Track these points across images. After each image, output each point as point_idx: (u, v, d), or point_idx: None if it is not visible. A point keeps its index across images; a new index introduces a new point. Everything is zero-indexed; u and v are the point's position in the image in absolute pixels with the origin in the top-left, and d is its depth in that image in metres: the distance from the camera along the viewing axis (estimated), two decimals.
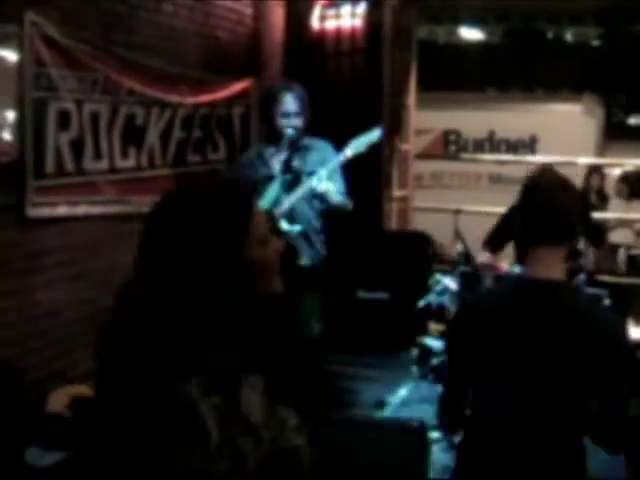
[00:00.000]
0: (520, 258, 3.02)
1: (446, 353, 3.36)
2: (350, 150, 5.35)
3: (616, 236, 9.53)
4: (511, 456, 2.91)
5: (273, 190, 5.47)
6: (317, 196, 5.38)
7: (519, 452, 2.90)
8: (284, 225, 5.42)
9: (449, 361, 3.22)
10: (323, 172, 5.30)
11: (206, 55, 6.94)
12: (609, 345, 2.82)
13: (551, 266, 2.90)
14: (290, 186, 5.46)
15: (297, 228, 5.47)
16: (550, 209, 2.90)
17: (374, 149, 8.12)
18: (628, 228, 9.64)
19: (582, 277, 5.84)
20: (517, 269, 6.05)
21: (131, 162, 6.08)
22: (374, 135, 5.44)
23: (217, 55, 7.09)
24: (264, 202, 5.47)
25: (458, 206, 9.78)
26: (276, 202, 5.44)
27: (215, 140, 7.13)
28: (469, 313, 3.10)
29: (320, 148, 5.57)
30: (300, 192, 5.41)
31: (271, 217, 5.40)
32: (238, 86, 7.34)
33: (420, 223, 9.41)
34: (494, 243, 6.40)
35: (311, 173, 5.41)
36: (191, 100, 6.67)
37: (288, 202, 5.43)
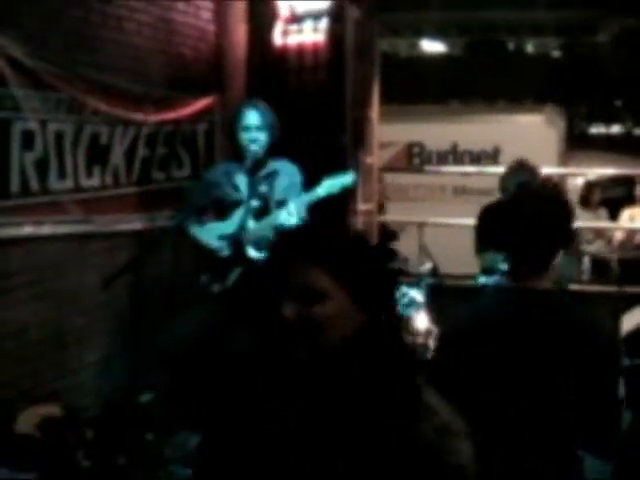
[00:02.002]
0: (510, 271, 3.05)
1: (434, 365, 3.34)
2: (322, 190, 5.36)
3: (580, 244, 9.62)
4: (510, 466, 2.93)
5: (240, 215, 5.48)
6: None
7: (517, 462, 2.92)
8: (252, 252, 5.44)
9: (441, 373, 3.19)
10: (292, 207, 5.31)
11: (169, 73, 6.95)
12: (606, 352, 2.86)
13: (544, 277, 2.93)
14: (258, 213, 5.48)
15: (264, 256, 5.49)
16: (541, 228, 2.92)
17: (339, 163, 8.23)
18: (596, 237, 9.73)
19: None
20: (484, 279, 6.14)
21: (96, 181, 6.07)
22: (347, 179, 5.47)
23: (180, 73, 7.10)
24: (230, 227, 5.49)
25: (423, 218, 9.86)
26: (242, 228, 5.45)
27: (179, 157, 7.13)
28: (467, 325, 3.09)
29: (287, 173, 5.58)
30: (269, 223, 5.43)
31: (239, 243, 5.43)
32: (202, 103, 7.35)
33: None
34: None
35: (280, 201, 5.44)
36: (155, 118, 6.67)
37: (256, 230, 5.45)
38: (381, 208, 9.61)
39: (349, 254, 2.05)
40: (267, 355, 2.08)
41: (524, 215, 2.98)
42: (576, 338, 2.87)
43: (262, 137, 5.46)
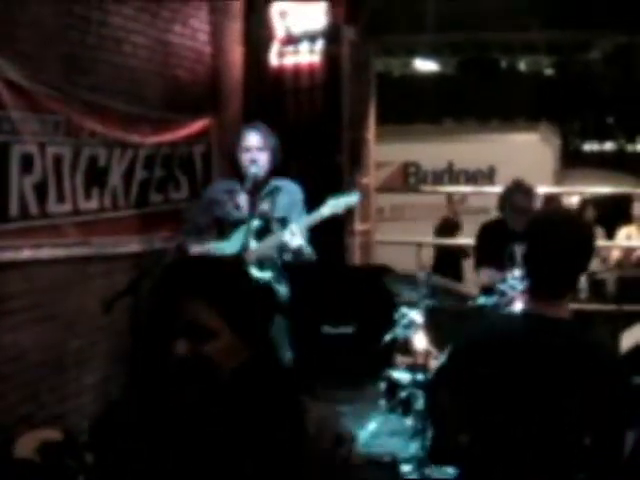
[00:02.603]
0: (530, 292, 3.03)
1: (441, 384, 3.32)
2: (327, 209, 5.35)
3: None
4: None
5: (241, 234, 5.46)
6: (289, 250, 5.38)
7: None
8: (254, 272, 5.43)
9: (451, 393, 3.17)
10: (295, 228, 5.29)
11: (166, 94, 6.96)
12: (613, 385, 2.85)
13: (559, 305, 2.92)
14: (259, 232, 5.46)
15: (267, 275, 5.48)
16: (563, 264, 2.89)
17: (335, 184, 8.23)
18: (595, 256, 9.73)
19: None
20: (483, 299, 6.12)
21: (94, 204, 6.06)
22: (352, 199, 5.48)
23: (177, 94, 7.11)
24: (232, 246, 5.47)
25: (419, 238, 9.87)
26: (244, 247, 5.43)
27: (177, 179, 7.13)
28: (474, 348, 3.08)
29: (289, 191, 5.58)
30: (271, 243, 5.41)
31: (241, 262, 5.40)
32: (198, 125, 7.35)
33: (382, 256, 9.45)
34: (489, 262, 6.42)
35: (281, 220, 5.43)
36: (152, 140, 6.67)
37: (258, 250, 5.44)
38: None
39: (231, 288, 2.18)
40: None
41: (552, 239, 2.95)
42: (584, 364, 2.85)
43: (262, 158, 5.46)
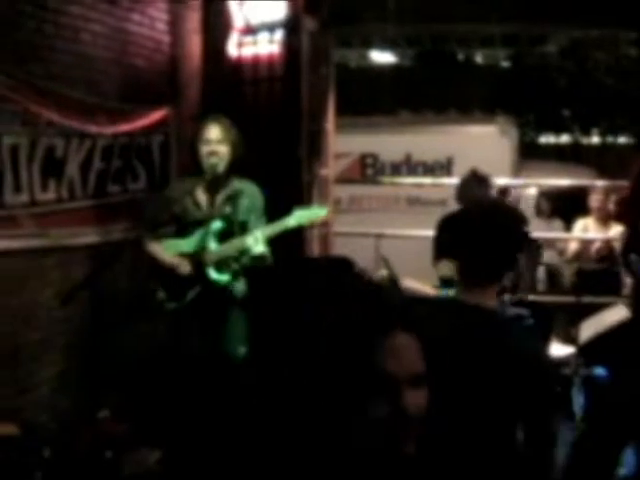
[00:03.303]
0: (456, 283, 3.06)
1: None
2: (292, 220, 5.33)
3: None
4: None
5: (201, 235, 5.42)
6: (249, 255, 5.35)
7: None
8: (212, 274, 5.39)
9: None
10: (259, 235, 5.26)
11: (124, 84, 6.87)
12: (536, 376, 2.86)
13: (487, 296, 2.94)
14: (221, 235, 5.42)
15: (225, 278, 5.44)
16: (489, 250, 2.92)
17: (294, 175, 8.19)
18: (549, 247, 9.78)
19: (506, 297, 5.90)
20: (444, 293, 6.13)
21: (51, 194, 5.98)
22: (319, 213, 5.46)
23: (135, 84, 7.03)
24: (190, 245, 5.42)
25: (377, 229, 9.85)
26: (203, 248, 5.39)
27: (135, 170, 7.05)
28: None
29: (250, 194, 5.54)
30: (234, 247, 5.37)
31: (200, 263, 5.36)
32: (157, 115, 7.28)
33: (341, 248, 9.42)
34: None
35: (242, 223, 5.39)
36: (110, 130, 6.59)
37: (219, 252, 5.39)
38: None
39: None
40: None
41: (474, 228, 2.98)
42: (502, 351, 2.87)
43: (223, 151, 5.42)
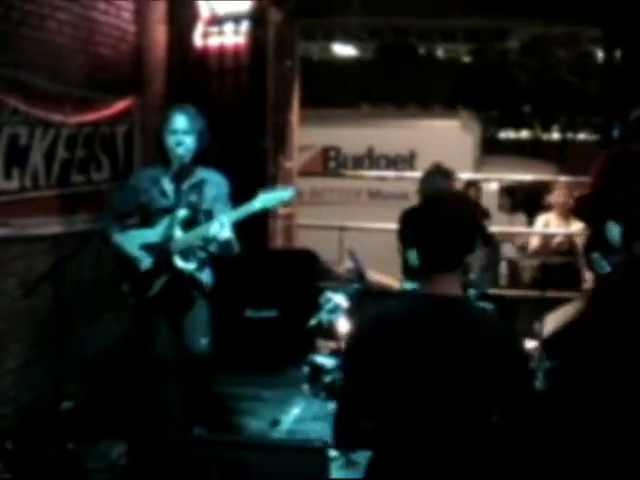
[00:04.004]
0: (418, 276, 3.09)
1: (343, 369, 3.36)
2: (258, 203, 5.26)
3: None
4: (419, 473, 2.93)
5: (166, 224, 5.37)
6: (216, 242, 5.30)
7: (427, 468, 2.92)
8: (178, 262, 5.35)
9: (348, 378, 3.20)
10: (225, 220, 5.20)
11: (89, 73, 6.81)
12: (509, 360, 2.89)
13: (451, 284, 2.97)
14: (186, 223, 5.38)
15: (191, 267, 5.40)
16: (447, 240, 2.96)
17: (259, 167, 8.18)
18: (510, 242, 9.85)
19: (472, 292, 5.93)
20: (408, 285, 6.14)
21: (15, 184, 5.90)
22: (285, 194, 5.40)
23: (100, 73, 6.96)
24: (156, 234, 5.38)
25: (339, 222, 9.87)
26: (169, 237, 5.35)
27: (99, 160, 6.99)
28: (371, 329, 3.09)
29: (216, 183, 5.49)
30: (199, 234, 5.33)
31: (166, 252, 5.32)
32: (121, 104, 7.21)
33: (304, 241, 9.43)
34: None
35: (208, 212, 5.35)
36: (75, 119, 6.52)
37: (184, 240, 5.35)
38: None
39: None
40: None
41: (431, 218, 3.02)
42: (478, 344, 2.90)
43: (189, 141, 5.37)
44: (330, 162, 13.22)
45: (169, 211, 5.38)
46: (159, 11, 7.79)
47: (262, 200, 5.26)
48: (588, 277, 8.37)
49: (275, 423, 6.29)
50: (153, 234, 5.40)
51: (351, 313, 6.41)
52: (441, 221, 2.99)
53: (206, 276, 5.57)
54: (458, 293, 2.99)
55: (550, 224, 9.25)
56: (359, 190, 12.82)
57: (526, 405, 2.97)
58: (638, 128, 6.63)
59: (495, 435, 2.93)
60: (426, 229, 3.03)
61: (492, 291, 7.58)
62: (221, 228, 5.18)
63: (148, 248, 5.39)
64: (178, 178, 5.41)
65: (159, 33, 7.84)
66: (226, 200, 5.49)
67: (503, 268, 9.78)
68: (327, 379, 6.49)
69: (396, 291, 6.34)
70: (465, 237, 3.01)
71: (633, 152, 6.62)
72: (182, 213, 5.37)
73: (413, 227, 3.09)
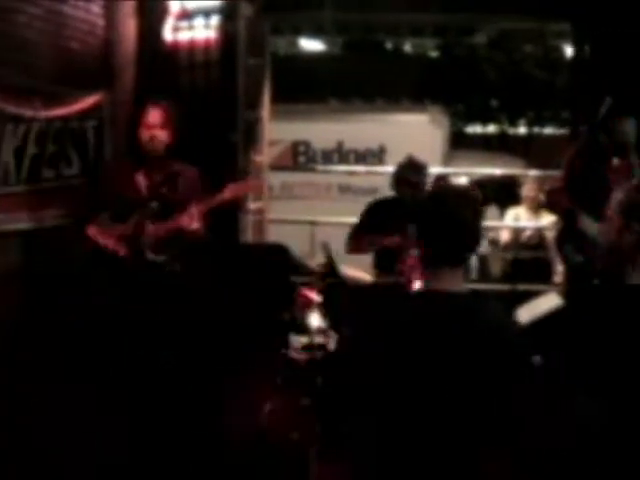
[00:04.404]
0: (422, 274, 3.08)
1: (339, 367, 3.33)
2: (228, 193, 5.29)
3: None
4: (414, 466, 2.93)
5: (139, 217, 5.36)
6: (187, 233, 5.30)
7: (422, 463, 2.93)
8: (150, 255, 5.33)
9: (346, 372, 3.17)
10: (194, 211, 5.21)
11: (59, 67, 6.74)
12: (511, 355, 2.90)
13: (455, 280, 2.96)
14: (157, 215, 5.36)
15: (162, 259, 5.39)
16: (454, 236, 2.94)
17: (230, 162, 8.15)
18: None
19: None
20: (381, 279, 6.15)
21: None
22: (254, 185, 5.43)
23: (70, 67, 6.90)
24: (129, 228, 5.37)
25: (309, 217, 9.87)
26: (142, 229, 5.33)
27: (69, 155, 6.92)
28: (374, 327, 3.07)
29: (188, 176, 5.51)
30: (170, 226, 5.32)
31: (138, 244, 5.30)
32: (91, 99, 7.16)
33: (275, 235, 9.41)
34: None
35: (180, 204, 5.34)
36: (45, 114, 6.47)
37: (155, 232, 5.33)
38: None
39: None
40: None
41: (438, 213, 3.00)
42: (480, 337, 2.89)
43: (162, 135, 5.37)
44: (300, 157, 13.22)
45: (141, 204, 5.37)
46: (129, 5, 7.72)
47: (232, 190, 5.28)
48: (559, 270, 8.44)
49: None
50: (126, 227, 5.39)
51: (324, 307, 6.42)
52: (449, 217, 2.97)
53: (177, 269, 5.56)
54: (462, 289, 2.98)
55: (520, 218, 9.31)
56: (329, 184, 12.82)
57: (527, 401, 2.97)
58: (606, 120, 6.71)
59: (495, 432, 2.94)
60: (433, 225, 3.01)
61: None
62: (190, 219, 5.19)
63: (123, 241, 5.38)
64: (151, 171, 5.41)
65: (129, 27, 7.77)
66: (199, 192, 5.49)
67: (473, 262, 9.81)
68: (299, 374, 6.50)
69: (374, 287, 6.34)
70: (472, 232, 3.00)
71: (601, 144, 6.72)
72: (153, 205, 5.36)
73: (419, 223, 3.08)
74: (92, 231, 5.49)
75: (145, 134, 5.36)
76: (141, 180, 5.43)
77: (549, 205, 8.08)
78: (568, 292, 6.84)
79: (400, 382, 2.94)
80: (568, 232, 6.59)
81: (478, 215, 3.06)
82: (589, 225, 6.27)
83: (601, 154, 6.60)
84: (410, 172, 6.48)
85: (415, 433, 2.93)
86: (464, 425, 2.90)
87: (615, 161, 6.55)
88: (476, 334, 2.90)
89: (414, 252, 6.04)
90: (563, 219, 6.88)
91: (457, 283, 2.97)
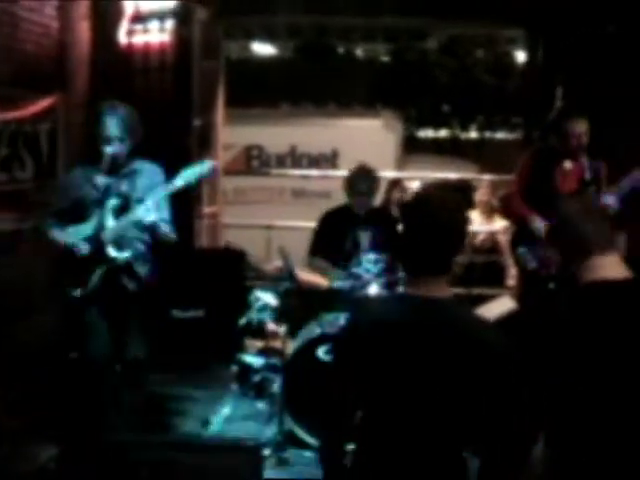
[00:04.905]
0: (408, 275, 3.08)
1: (334, 367, 3.30)
2: (180, 180, 5.25)
3: None
4: (399, 469, 2.94)
5: (99, 214, 5.33)
6: (145, 226, 5.27)
7: (407, 465, 2.94)
8: (112, 252, 5.29)
9: (338, 375, 3.15)
10: (149, 202, 5.18)
11: (12, 70, 6.68)
12: (497, 362, 2.90)
13: (440, 286, 2.95)
14: (118, 212, 5.33)
15: (124, 255, 5.34)
16: (437, 244, 2.93)
17: (184, 166, 8.10)
18: None
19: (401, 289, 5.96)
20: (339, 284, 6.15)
21: None
22: (204, 167, 5.38)
23: (23, 70, 6.83)
24: (90, 227, 5.33)
25: (263, 221, 9.86)
26: (102, 227, 5.30)
27: (22, 158, 6.86)
28: (361, 330, 3.06)
29: (149, 173, 5.47)
30: (127, 220, 5.28)
31: (99, 243, 5.26)
32: (45, 102, 7.10)
33: (229, 240, 9.39)
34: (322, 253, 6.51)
35: (140, 200, 5.30)
36: None
37: (115, 229, 5.30)
38: None
39: None
40: None
41: (419, 221, 2.99)
42: (467, 342, 2.90)
43: (121, 148, 5.35)
44: (253, 161, 13.18)
45: (101, 202, 5.34)
46: (83, 7, 7.66)
47: (183, 177, 5.26)
48: (512, 274, 8.51)
49: (205, 423, 6.27)
50: (87, 227, 5.36)
51: (280, 312, 6.43)
52: (430, 224, 2.95)
53: (143, 270, 5.52)
54: (447, 295, 2.99)
55: (473, 222, 9.36)
56: (282, 189, 12.80)
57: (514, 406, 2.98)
58: (558, 123, 6.79)
59: (481, 437, 2.95)
60: (414, 232, 2.99)
61: None
62: (146, 211, 5.17)
63: (86, 241, 5.33)
64: (110, 171, 5.38)
65: (83, 30, 7.72)
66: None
67: None
68: (256, 378, 6.52)
69: (325, 289, 6.35)
70: (454, 240, 2.99)
71: (553, 148, 6.80)
72: (112, 202, 5.33)
73: (401, 233, 3.06)
74: (57, 234, 5.44)
75: (104, 147, 5.31)
76: (100, 179, 5.39)
77: (503, 211, 8.12)
78: (521, 295, 6.90)
79: (387, 383, 2.96)
80: (521, 236, 6.65)
81: (461, 221, 3.05)
82: (540, 229, 6.33)
83: (551, 157, 6.67)
84: (360, 179, 6.49)
85: (402, 432, 2.94)
86: (450, 424, 2.92)
87: (566, 164, 6.60)
88: (457, 339, 2.90)
89: (370, 257, 6.08)
90: (516, 224, 6.94)
91: (440, 289, 2.96)
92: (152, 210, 5.19)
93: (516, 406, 2.96)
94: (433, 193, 3.19)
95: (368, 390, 3.00)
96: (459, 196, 2.82)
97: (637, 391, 2.99)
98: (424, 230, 2.95)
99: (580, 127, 6.51)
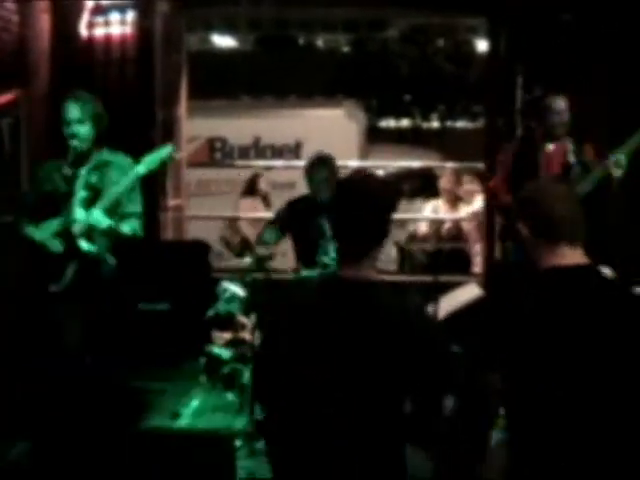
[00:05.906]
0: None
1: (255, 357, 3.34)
2: (142, 167, 5.25)
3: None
4: (333, 461, 2.94)
5: (69, 208, 5.30)
6: (103, 231, 5.25)
7: (341, 457, 2.94)
8: (83, 244, 5.26)
9: (259, 357, 3.19)
10: (100, 207, 5.17)
11: None
12: (419, 343, 2.92)
13: (365, 269, 2.98)
14: (87, 204, 5.30)
15: (95, 248, 5.32)
16: (355, 229, 2.98)
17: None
18: (401, 228, 9.94)
19: None
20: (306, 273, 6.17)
21: None
22: (165, 151, 5.38)
23: None
24: (60, 220, 5.30)
25: (227, 213, 9.86)
26: (72, 220, 5.27)
27: None
28: (285, 317, 3.11)
29: (120, 165, 5.45)
30: (97, 213, 5.25)
31: (70, 237, 5.24)
32: (6, 97, 7.05)
33: (194, 232, 9.37)
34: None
35: (100, 199, 5.28)
36: None
37: (85, 222, 5.27)
38: None
39: None
40: None
41: (342, 206, 3.04)
42: (387, 325, 2.92)
43: (83, 130, 5.31)
44: (216, 153, 13.16)
45: (70, 195, 5.32)
46: (43, 0, 7.62)
47: (145, 163, 5.26)
48: (477, 261, 8.58)
49: (175, 416, 6.25)
50: (58, 221, 5.33)
51: (248, 302, 6.43)
52: (351, 209, 3.00)
53: (111, 261, 5.50)
54: (372, 278, 3.01)
55: (439, 210, 9.41)
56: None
57: (441, 393, 3.01)
58: (536, 104, 6.78)
59: (408, 424, 2.97)
60: (338, 217, 3.05)
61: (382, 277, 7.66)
62: (98, 217, 5.16)
63: (59, 236, 5.31)
64: (78, 164, 5.35)
65: (43, 23, 7.67)
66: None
67: (393, 253, 9.88)
68: (224, 370, 6.50)
69: (293, 279, 6.36)
70: (376, 226, 3.02)
71: (532, 133, 6.76)
72: (81, 195, 5.31)
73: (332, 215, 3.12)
74: (30, 230, 5.41)
75: (66, 131, 5.30)
76: (68, 172, 5.36)
77: (491, 203, 7.95)
78: (487, 282, 6.93)
79: (308, 367, 2.97)
80: (510, 229, 6.60)
81: (384, 206, 3.07)
82: None
83: (533, 142, 6.58)
84: (319, 167, 6.52)
85: (327, 418, 2.95)
86: (373, 405, 2.92)
87: (549, 146, 6.48)
88: (381, 321, 2.93)
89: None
90: (504, 215, 6.89)
91: (366, 272, 2.99)
92: (102, 215, 5.18)
93: (440, 386, 3.00)
94: (356, 179, 3.24)
95: (285, 372, 3.03)
96: (389, 184, 2.84)
97: (593, 380, 3.02)
98: (344, 213, 3.01)
99: (561, 103, 6.38)
